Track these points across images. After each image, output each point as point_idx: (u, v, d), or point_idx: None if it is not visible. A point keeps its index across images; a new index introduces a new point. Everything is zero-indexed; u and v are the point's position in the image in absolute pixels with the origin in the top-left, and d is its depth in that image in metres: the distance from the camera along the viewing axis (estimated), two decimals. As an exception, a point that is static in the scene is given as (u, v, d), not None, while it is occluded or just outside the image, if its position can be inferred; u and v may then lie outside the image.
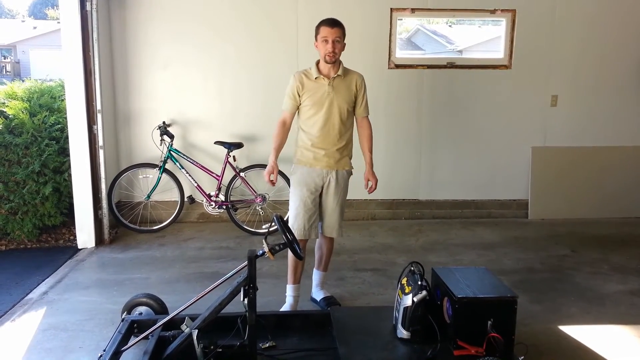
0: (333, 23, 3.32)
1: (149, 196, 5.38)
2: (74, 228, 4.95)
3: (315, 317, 3.24)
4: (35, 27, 33.76)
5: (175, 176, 5.38)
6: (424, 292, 2.77)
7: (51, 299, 3.80)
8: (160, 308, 3.16)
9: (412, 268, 2.91)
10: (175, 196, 5.43)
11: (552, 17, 5.70)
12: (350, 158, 3.56)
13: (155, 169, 5.35)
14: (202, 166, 5.39)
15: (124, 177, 5.37)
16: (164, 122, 5.39)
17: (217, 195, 5.33)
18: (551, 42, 5.73)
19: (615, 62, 5.83)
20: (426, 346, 2.72)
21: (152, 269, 4.41)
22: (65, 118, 4.87)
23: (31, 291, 3.94)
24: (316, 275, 3.76)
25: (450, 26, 21.90)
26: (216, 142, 5.33)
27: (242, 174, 5.29)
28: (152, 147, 5.41)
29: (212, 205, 5.33)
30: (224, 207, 5.36)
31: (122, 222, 5.32)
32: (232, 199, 5.40)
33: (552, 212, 5.92)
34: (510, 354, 2.65)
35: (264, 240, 2.66)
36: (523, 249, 4.97)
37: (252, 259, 2.58)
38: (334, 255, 4.00)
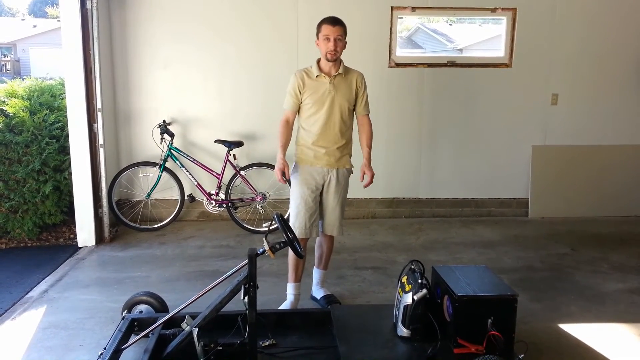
0: (335, 21, 3.32)
1: (149, 195, 5.39)
2: (74, 226, 4.96)
3: (315, 316, 3.24)
4: (35, 26, 33.67)
5: (176, 175, 5.38)
6: (424, 291, 2.77)
7: (51, 297, 3.81)
8: (160, 306, 3.16)
9: (413, 266, 2.91)
10: (175, 195, 5.44)
11: (552, 16, 5.71)
12: (351, 156, 3.57)
13: (155, 168, 5.35)
14: (202, 165, 5.39)
15: (124, 175, 5.37)
16: (164, 121, 5.39)
17: (217, 194, 5.33)
18: (552, 40, 5.74)
19: (615, 61, 5.84)
20: (426, 344, 2.73)
21: (153, 267, 4.41)
22: (66, 116, 4.87)
23: (31, 289, 3.94)
24: (316, 274, 3.77)
25: (450, 25, 21.87)
26: (216, 141, 5.33)
27: (242, 173, 5.30)
28: (152, 146, 5.41)
29: (212, 203, 5.33)
30: (224, 205, 5.36)
31: (123, 220, 5.33)
32: (232, 197, 5.40)
33: (552, 210, 5.93)
34: (510, 352, 2.65)
35: (264, 239, 2.67)
36: (523, 247, 4.98)
37: (253, 257, 2.58)
38: (334, 254, 4.00)
